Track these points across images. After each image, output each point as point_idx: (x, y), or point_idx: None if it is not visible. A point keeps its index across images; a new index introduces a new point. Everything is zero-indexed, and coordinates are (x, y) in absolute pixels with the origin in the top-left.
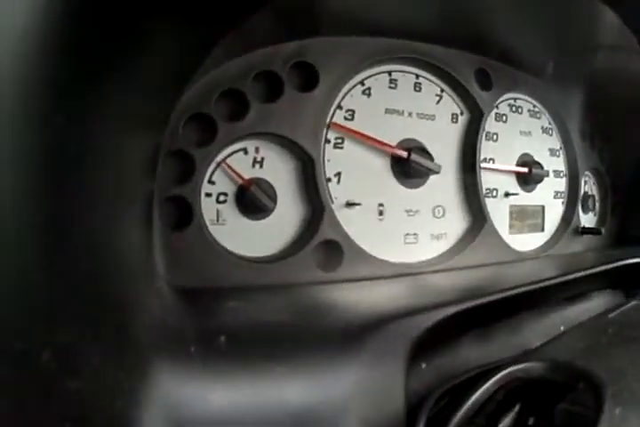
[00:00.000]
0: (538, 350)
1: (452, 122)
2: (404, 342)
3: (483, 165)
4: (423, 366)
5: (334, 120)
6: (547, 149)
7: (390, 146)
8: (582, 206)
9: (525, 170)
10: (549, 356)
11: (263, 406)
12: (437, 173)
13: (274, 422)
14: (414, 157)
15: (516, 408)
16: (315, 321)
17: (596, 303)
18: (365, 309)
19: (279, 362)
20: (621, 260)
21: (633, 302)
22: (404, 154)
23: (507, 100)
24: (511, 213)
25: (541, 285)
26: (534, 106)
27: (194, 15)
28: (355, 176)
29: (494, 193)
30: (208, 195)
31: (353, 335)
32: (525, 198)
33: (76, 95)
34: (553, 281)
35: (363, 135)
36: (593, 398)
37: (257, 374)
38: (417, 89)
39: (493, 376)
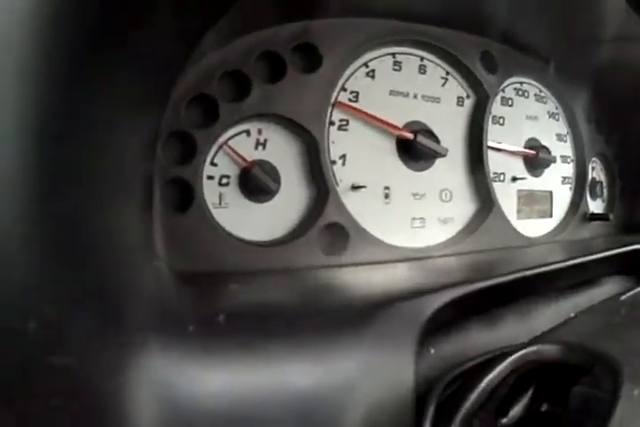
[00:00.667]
0: (549, 333)
1: (458, 105)
2: (413, 323)
3: (490, 144)
4: (432, 351)
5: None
6: (554, 134)
7: (396, 127)
8: (590, 192)
9: (533, 152)
10: (562, 338)
11: (265, 387)
12: (444, 155)
13: (276, 404)
14: (420, 138)
15: (529, 393)
16: (319, 302)
17: (606, 289)
18: (372, 290)
19: (281, 342)
20: (631, 245)
21: None
22: (410, 136)
23: (512, 83)
24: (519, 197)
25: (551, 268)
26: (540, 90)
27: None
28: (360, 158)
29: (501, 177)
30: (210, 177)
31: (359, 315)
32: (533, 183)
33: (72, 74)
34: (563, 264)
35: (369, 115)
36: (609, 379)
37: (258, 354)
38: (422, 71)
39: (505, 360)
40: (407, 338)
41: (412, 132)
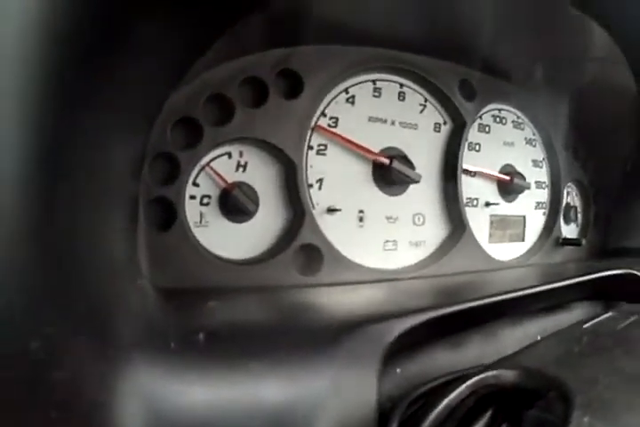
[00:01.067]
0: (511, 358)
1: (435, 131)
2: (378, 346)
3: (465, 166)
4: (398, 371)
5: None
6: (530, 160)
7: (372, 152)
8: (564, 217)
9: (507, 178)
10: (522, 363)
11: (239, 402)
12: (417, 182)
13: (249, 418)
14: (396, 164)
15: (488, 414)
16: (292, 322)
17: (574, 314)
18: (342, 312)
19: (255, 359)
20: (601, 271)
21: (609, 313)
22: (386, 161)
23: (490, 110)
24: (492, 222)
25: (520, 293)
26: (518, 117)
27: (188, 17)
28: (336, 182)
29: (475, 202)
30: (192, 197)
31: (329, 337)
32: (507, 208)
33: (63, 95)
34: (532, 290)
35: (346, 140)
36: (562, 405)
37: (234, 371)
38: (401, 98)
39: (465, 382)
40: (371, 359)
41: (387, 157)
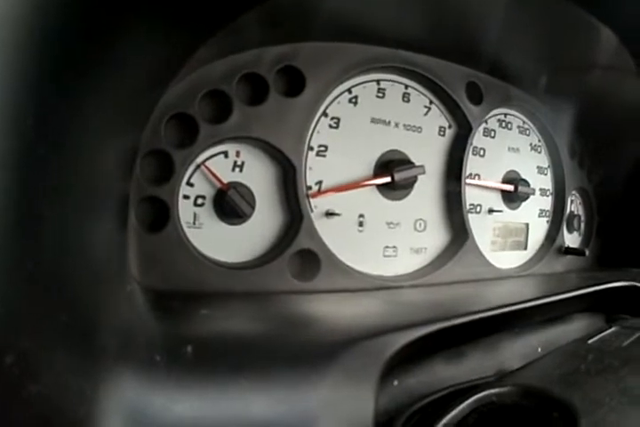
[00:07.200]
0: (515, 374)
1: (440, 135)
2: (375, 362)
3: (468, 181)
4: (395, 383)
5: (318, 128)
6: (534, 167)
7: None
8: (567, 226)
9: (511, 188)
10: (526, 381)
11: (227, 420)
12: (423, 173)
13: None
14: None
15: None
16: (286, 335)
17: (575, 326)
18: (339, 324)
19: (246, 375)
20: (604, 283)
21: (614, 328)
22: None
23: (496, 115)
24: (494, 229)
25: (521, 307)
26: (524, 122)
27: (179, 15)
28: (336, 186)
29: (478, 209)
30: (186, 197)
31: (324, 352)
32: (510, 215)
33: (51, 93)
34: (532, 303)
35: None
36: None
37: (222, 387)
38: (405, 99)
39: (467, 399)
40: (369, 376)
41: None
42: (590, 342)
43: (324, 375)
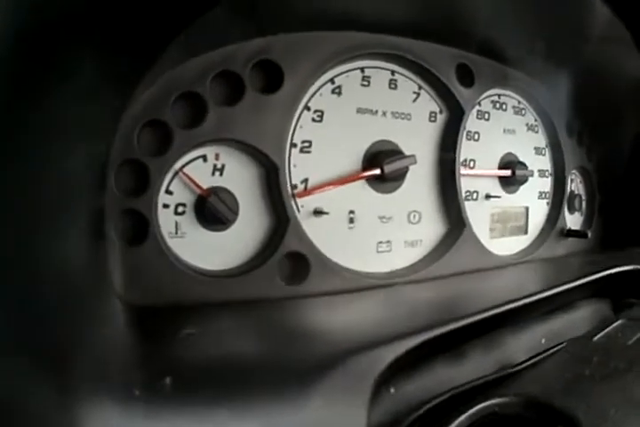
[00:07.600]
0: (517, 377)
1: (430, 121)
2: (368, 378)
3: (462, 172)
4: (392, 391)
5: (300, 123)
6: (532, 148)
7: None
8: (568, 206)
9: (508, 173)
10: (529, 387)
11: None
12: (414, 163)
13: None
14: (387, 168)
15: None
16: (272, 353)
17: (580, 314)
18: (330, 336)
19: (227, 406)
20: (608, 268)
21: (620, 321)
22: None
23: (490, 96)
24: (492, 215)
25: (524, 302)
26: (519, 102)
27: (140, 16)
28: (323, 182)
29: (474, 196)
30: (166, 206)
31: (313, 371)
32: (508, 200)
33: (11, 101)
34: (536, 297)
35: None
36: None
37: (202, 419)
38: (392, 86)
39: (469, 409)
40: (361, 393)
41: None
42: (595, 339)
43: (312, 397)
